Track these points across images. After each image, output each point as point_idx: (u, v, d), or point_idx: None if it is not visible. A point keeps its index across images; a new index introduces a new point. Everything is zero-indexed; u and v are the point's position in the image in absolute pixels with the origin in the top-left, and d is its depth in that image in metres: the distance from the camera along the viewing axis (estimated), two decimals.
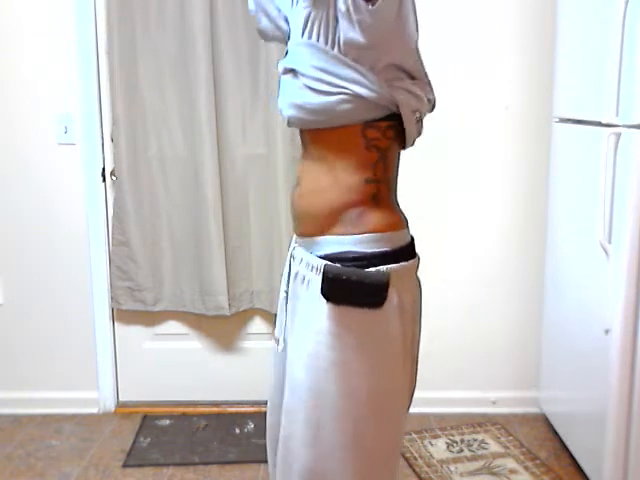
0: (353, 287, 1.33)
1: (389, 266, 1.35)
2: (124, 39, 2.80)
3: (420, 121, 1.41)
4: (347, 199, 1.37)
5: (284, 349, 1.48)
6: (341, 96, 1.32)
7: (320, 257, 1.37)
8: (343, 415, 1.35)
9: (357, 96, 1.32)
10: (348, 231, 1.37)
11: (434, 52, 2.80)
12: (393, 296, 1.35)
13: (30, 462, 2.67)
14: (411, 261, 1.41)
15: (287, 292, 1.47)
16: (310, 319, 1.37)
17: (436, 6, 2.80)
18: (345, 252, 1.36)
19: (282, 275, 1.58)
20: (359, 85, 1.32)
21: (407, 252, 1.40)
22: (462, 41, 2.84)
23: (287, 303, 1.46)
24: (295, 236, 1.54)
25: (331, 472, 1.37)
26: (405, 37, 1.34)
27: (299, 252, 1.44)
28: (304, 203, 1.43)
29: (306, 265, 1.40)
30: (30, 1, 2.83)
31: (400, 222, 1.43)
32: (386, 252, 1.37)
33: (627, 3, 2.05)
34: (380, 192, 1.40)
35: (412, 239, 1.44)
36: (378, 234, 1.37)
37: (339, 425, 1.36)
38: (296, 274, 1.42)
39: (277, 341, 1.55)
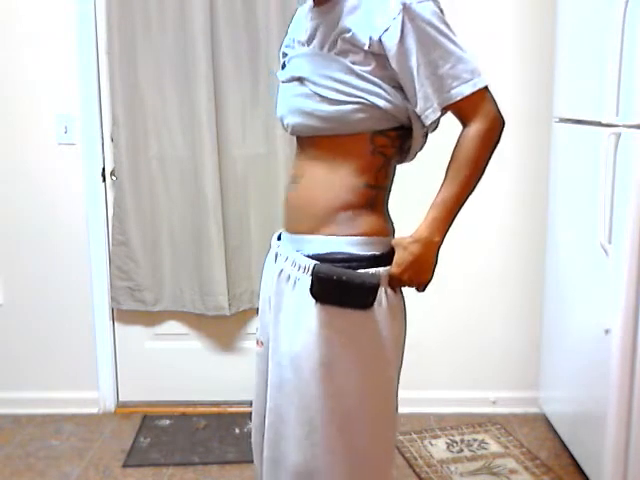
0: (343, 288, 1.33)
1: (379, 269, 1.36)
2: (124, 39, 2.80)
3: (426, 135, 1.44)
4: (344, 201, 1.38)
5: (267, 349, 1.47)
6: (356, 105, 1.33)
7: (308, 256, 1.37)
8: (330, 416, 1.35)
9: (373, 106, 1.33)
10: (340, 232, 1.37)
11: None
12: (382, 298, 1.35)
13: (30, 462, 2.67)
14: None
15: (271, 291, 1.47)
16: (297, 318, 1.37)
17: None
18: (334, 252, 1.36)
19: (262, 275, 1.57)
20: (376, 96, 1.33)
21: (392, 258, 1.41)
22: (462, 41, 2.83)
23: (270, 302, 1.46)
24: (279, 234, 1.54)
25: (321, 474, 1.37)
26: None
27: (285, 250, 1.44)
28: (301, 201, 1.43)
29: (292, 264, 1.39)
30: (30, 1, 2.83)
31: (389, 229, 1.45)
32: (375, 256, 1.37)
33: (627, 3, 2.05)
34: (378, 198, 1.41)
35: None
36: (369, 237, 1.38)
37: (327, 428, 1.35)
38: (281, 272, 1.42)
39: (259, 342, 1.54)
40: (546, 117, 2.82)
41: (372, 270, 1.35)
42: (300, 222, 1.43)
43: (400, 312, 1.43)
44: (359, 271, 1.34)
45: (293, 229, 1.45)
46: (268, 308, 1.47)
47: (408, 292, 1.46)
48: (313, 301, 1.34)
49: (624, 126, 2.10)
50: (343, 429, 1.36)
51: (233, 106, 2.86)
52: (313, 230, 1.39)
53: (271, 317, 1.43)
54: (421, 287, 1.41)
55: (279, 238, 1.53)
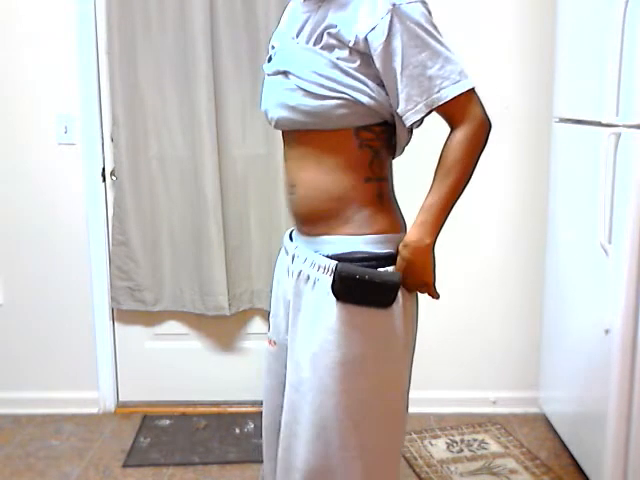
0: (365, 286, 1.34)
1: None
2: (124, 39, 2.80)
3: (411, 131, 1.44)
4: (352, 199, 1.38)
5: (282, 349, 1.47)
6: (340, 101, 1.33)
7: (327, 256, 1.37)
8: (347, 414, 1.35)
9: (357, 102, 1.33)
10: (358, 231, 1.38)
11: None
12: (399, 296, 1.36)
13: (30, 462, 2.67)
14: None
15: (287, 291, 1.47)
16: (317, 317, 1.37)
17: (436, 6, 2.79)
18: (353, 252, 1.37)
19: (275, 276, 1.57)
20: (360, 93, 1.33)
21: None
22: (462, 41, 2.82)
23: (288, 302, 1.46)
24: (291, 235, 1.54)
25: (334, 473, 1.37)
26: None
27: (303, 251, 1.44)
28: (307, 205, 1.42)
29: (311, 264, 1.39)
30: (30, 1, 2.83)
31: (402, 225, 1.45)
32: (391, 254, 1.37)
33: (627, 3, 2.05)
34: (382, 190, 1.41)
35: None
36: (386, 235, 1.39)
37: (342, 425, 1.36)
38: (299, 273, 1.42)
39: (271, 342, 1.54)
40: (546, 117, 2.82)
41: (390, 268, 1.35)
42: (313, 225, 1.42)
43: (413, 310, 1.44)
44: (378, 270, 1.34)
45: (307, 232, 1.45)
46: (282, 307, 1.48)
47: None
48: (333, 300, 1.34)
49: (624, 126, 2.10)
50: (357, 426, 1.36)
51: (233, 106, 2.86)
52: (329, 231, 1.40)
53: (290, 319, 1.43)
54: (431, 291, 1.42)
55: (290, 237, 1.53)
